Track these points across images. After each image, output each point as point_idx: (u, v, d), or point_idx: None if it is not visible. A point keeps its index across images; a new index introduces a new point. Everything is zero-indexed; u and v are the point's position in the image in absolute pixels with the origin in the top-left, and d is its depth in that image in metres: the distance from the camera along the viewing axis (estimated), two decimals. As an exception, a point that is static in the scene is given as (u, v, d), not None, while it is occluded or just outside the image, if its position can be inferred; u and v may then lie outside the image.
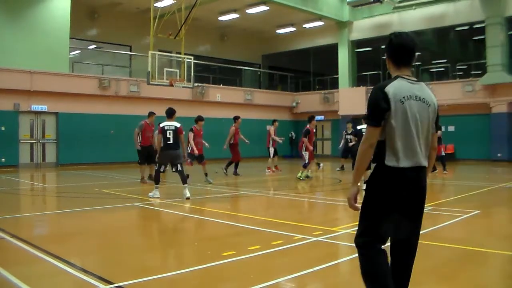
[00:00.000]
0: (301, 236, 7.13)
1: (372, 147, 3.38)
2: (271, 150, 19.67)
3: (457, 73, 27.91)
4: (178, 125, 11.86)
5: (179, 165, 11.73)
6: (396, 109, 3.36)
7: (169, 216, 9.90)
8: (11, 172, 20.02)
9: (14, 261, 5.94)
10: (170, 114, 12.18)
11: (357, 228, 3.65)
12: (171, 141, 11.68)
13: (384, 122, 3.38)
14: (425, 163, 3.51)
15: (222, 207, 11.20)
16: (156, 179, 11.96)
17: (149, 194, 11.94)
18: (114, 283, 4.88)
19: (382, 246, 3.55)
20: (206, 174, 15.47)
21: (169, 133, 11.74)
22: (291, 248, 6.53)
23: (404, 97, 3.39)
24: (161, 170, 12.07)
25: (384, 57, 3.75)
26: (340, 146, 21.02)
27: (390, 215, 3.45)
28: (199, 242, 7.37)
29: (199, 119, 15.42)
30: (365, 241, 3.53)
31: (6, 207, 10.76)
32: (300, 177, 16.58)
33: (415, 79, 3.53)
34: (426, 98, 3.50)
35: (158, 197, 11.67)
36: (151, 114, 15.53)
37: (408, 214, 3.52)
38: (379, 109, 3.37)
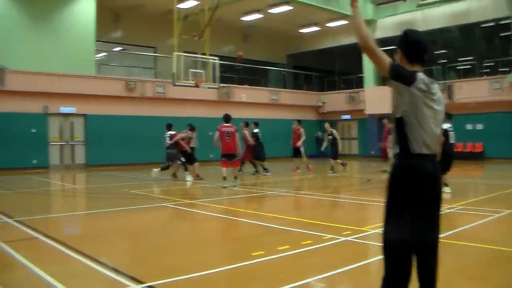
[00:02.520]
0: (330, 236, 7.11)
1: (374, 48, 3.44)
2: (302, 149, 19.65)
3: (484, 71, 27.47)
4: (173, 133, 16.68)
5: (168, 162, 16.75)
6: (420, 99, 3.44)
7: (198, 216, 9.96)
8: (42, 173, 20.35)
9: (48, 260, 6.05)
10: (169, 126, 17.06)
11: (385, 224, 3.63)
12: (168, 145, 16.55)
13: (406, 97, 3.45)
14: (436, 155, 3.58)
15: (251, 207, 11.24)
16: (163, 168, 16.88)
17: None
18: (144, 283, 4.93)
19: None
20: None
21: (167, 139, 16.68)
22: (320, 248, 6.52)
23: (426, 91, 3.46)
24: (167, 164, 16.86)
25: None
26: (323, 148, 20.02)
27: (416, 207, 3.44)
28: (229, 242, 7.41)
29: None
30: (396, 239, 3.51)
31: (38, 208, 10.97)
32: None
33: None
34: (439, 97, 3.58)
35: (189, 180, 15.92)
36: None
37: (430, 206, 3.52)
38: (408, 73, 3.47)
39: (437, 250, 3.63)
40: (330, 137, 19.31)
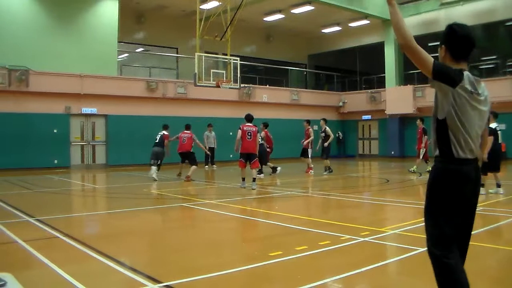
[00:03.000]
0: (348, 236, 7.06)
1: (416, 47, 3.18)
2: (309, 150, 19.33)
3: (508, 70, 27.05)
4: (165, 133, 17.25)
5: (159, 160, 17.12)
6: (466, 101, 3.26)
7: (216, 216, 9.95)
8: (63, 173, 20.58)
9: (67, 259, 6.10)
10: (164, 127, 17.62)
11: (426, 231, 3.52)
12: (158, 141, 17.00)
13: (451, 100, 3.26)
14: (478, 158, 3.45)
15: (268, 207, 11.22)
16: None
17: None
18: (162, 282, 4.94)
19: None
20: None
21: (157, 138, 17.12)
22: (338, 249, 6.48)
23: (473, 92, 3.28)
24: (157, 163, 17.11)
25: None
26: (318, 147, 19.53)
27: (456, 213, 3.37)
28: (246, 242, 7.40)
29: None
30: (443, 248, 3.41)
31: (59, 207, 11.09)
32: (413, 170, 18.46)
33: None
34: (486, 97, 3.40)
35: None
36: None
37: (469, 212, 3.46)
38: (454, 73, 3.26)
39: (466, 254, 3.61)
40: (323, 134, 19.05)
